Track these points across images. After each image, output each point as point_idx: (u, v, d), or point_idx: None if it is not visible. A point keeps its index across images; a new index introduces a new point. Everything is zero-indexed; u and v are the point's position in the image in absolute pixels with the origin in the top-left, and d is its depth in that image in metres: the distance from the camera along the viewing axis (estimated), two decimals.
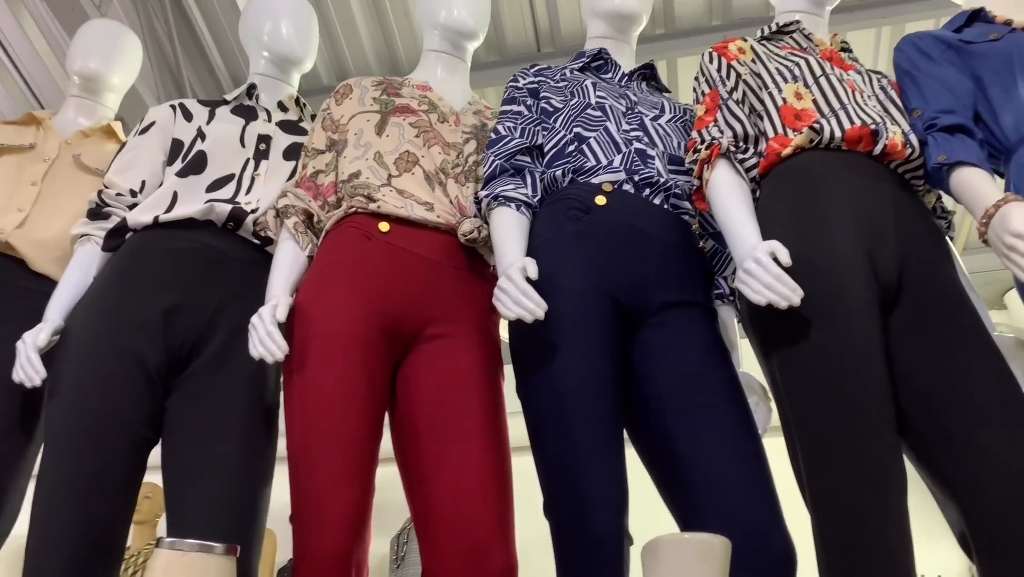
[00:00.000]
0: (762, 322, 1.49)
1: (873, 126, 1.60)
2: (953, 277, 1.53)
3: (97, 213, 1.89)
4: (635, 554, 1.33)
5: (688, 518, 1.41)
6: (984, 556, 1.29)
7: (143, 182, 1.93)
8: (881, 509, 1.27)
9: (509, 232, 1.63)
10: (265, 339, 1.53)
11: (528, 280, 1.49)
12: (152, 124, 2.00)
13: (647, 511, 1.56)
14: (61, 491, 1.50)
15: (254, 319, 1.58)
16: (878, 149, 1.60)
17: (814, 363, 1.39)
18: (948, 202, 1.82)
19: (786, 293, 1.36)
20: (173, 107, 2.04)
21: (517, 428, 1.58)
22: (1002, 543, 1.26)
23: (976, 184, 1.49)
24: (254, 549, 1.54)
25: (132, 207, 1.89)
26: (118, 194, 1.90)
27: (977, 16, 1.82)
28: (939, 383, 1.39)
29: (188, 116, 2.02)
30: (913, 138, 1.63)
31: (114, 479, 1.54)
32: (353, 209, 1.73)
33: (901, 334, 1.45)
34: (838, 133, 1.60)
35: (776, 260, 1.40)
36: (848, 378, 1.35)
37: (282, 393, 1.66)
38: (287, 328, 1.60)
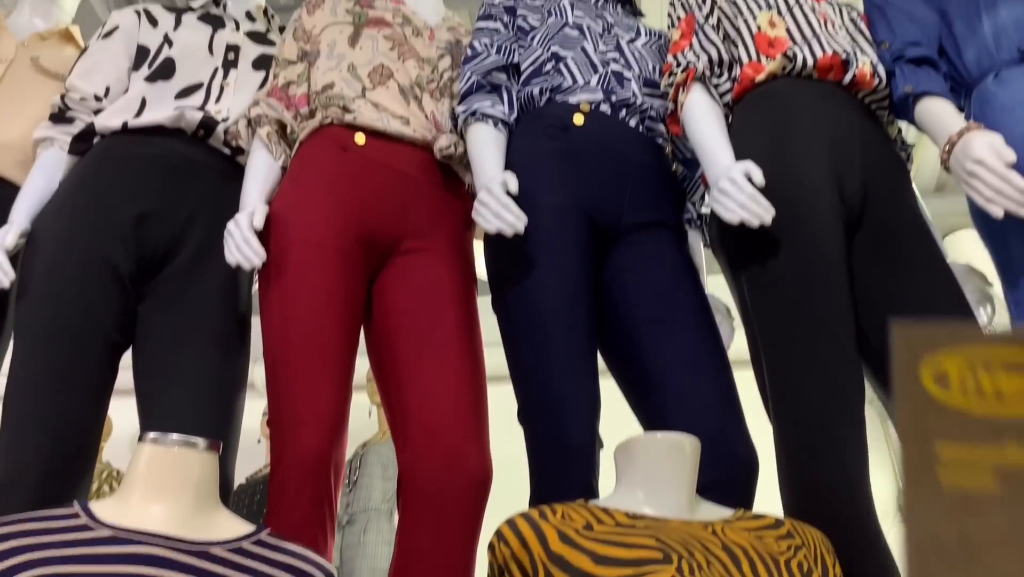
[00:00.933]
0: (732, 242, 1.54)
1: (844, 56, 1.64)
2: (913, 204, 1.59)
3: (60, 117, 1.83)
4: (606, 458, 1.38)
5: (656, 424, 1.47)
6: None
7: (107, 87, 1.88)
8: (840, 414, 1.34)
9: (487, 148, 1.64)
10: (243, 245, 1.53)
11: (508, 194, 1.50)
12: (116, 29, 1.94)
13: (617, 418, 1.61)
14: (34, 387, 1.48)
15: (230, 225, 1.57)
16: (848, 78, 1.64)
17: (782, 280, 1.45)
18: (908, 137, 1.88)
19: (759, 212, 1.40)
20: (138, 12, 1.98)
21: (492, 358, 1.62)
22: None
23: (940, 114, 1.54)
24: (230, 454, 1.55)
25: (97, 112, 1.84)
26: (82, 98, 1.85)
27: None
28: (897, 303, 1.46)
29: (153, 22, 1.96)
30: (881, 69, 1.67)
31: (86, 379, 1.52)
32: (328, 120, 1.72)
33: (863, 255, 1.51)
34: (810, 61, 1.64)
35: (750, 180, 1.44)
36: (814, 294, 1.41)
37: (256, 303, 1.65)
38: (262, 237, 1.60)
